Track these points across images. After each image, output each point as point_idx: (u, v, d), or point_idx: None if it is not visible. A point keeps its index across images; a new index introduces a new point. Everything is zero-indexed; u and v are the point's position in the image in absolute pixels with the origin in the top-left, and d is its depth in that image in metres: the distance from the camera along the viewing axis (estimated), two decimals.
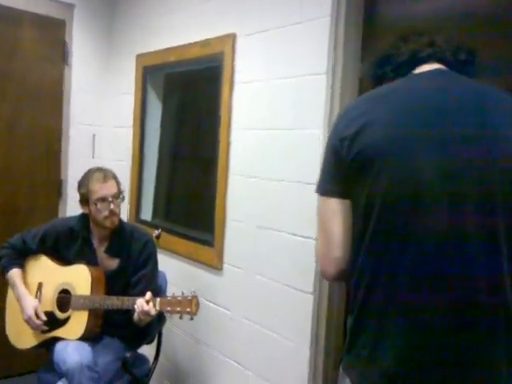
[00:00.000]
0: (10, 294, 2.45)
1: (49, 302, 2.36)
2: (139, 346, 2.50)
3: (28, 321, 2.31)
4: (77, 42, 3.40)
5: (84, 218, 2.42)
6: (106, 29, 3.52)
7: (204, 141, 2.90)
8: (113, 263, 2.40)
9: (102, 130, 3.56)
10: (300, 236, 2.12)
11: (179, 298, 2.11)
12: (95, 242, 2.42)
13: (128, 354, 2.39)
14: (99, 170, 2.40)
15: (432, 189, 1.12)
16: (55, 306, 2.35)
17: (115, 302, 2.21)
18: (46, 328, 2.33)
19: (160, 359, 2.60)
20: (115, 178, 2.40)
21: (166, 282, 2.63)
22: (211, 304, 2.62)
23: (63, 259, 2.41)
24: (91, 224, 2.41)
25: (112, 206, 2.31)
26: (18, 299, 2.36)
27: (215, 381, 2.63)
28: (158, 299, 2.14)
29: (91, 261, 2.37)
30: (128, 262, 2.39)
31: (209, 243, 2.64)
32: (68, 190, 3.40)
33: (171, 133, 3.29)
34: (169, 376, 2.96)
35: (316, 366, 2.12)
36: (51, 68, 3.33)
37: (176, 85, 3.26)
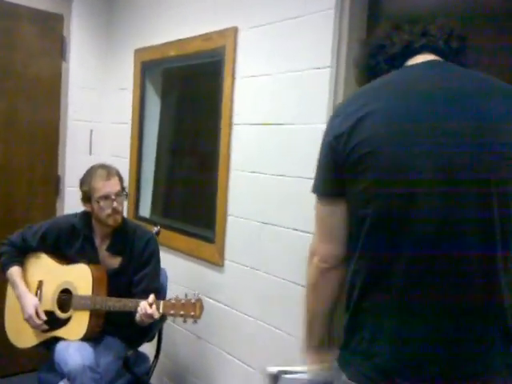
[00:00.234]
0: (10, 292, 2.42)
1: (49, 301, 2.33)
2: (140, 344, 2.49)
3: (28, 320, 2.28)
4: (75, 37, 3.37)
5: (86, 216, 2.39)
6: (104, 23, 3.49)
7: (204, 136, 2.88)
8: (115, 261, 2.37)
9: (100, 126, 3.52)
10: (302, 231, 2.10)
11: (183, 302, 2.09)
12: (97, 240, 2.38)
13: (129, 353, 2.36)
14: (102, 166, 2.35)
15: (429, 184, 1.11)
16: (56, 306, 2.32)
17: (117, 304, 2.18)
18: (46, 327, 2.30)
19: (160, 357, 2.58)
20: (118, 174, 2.35)
21: (166, 279, 2.60)
22: (212, 301, 2.60)
23: (64, 257, 2.37)
24: (93, 222, 2.37)
25: (115, 204, 2.27)
26: (19, 297, 2.33)
27: (216, 378, 2.62)
28: (162, 302, 2.11)
29: (93, 259, 2.34)
30: (130, 260, 2.36)
31: (210, 239, 2.62)
32: (66, 185, 3.37)
33: (170, 128, 3.27)
34: (169, 373, 2.94)
35: None
36: (49, 63, 3.30)
37: (175, 80, 3.23)
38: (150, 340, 2.56)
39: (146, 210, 3.29)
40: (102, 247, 2.38)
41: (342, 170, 1.20)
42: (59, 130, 3.39)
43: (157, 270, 2.41)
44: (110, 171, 2.31)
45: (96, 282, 2.26)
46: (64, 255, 2.37)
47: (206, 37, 2.60)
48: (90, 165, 2.40)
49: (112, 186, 2.28)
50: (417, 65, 1.24)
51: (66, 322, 2.28)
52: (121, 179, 2.36)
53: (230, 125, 2.49)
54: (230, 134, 2.49)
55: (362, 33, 2.02)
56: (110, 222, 2.30)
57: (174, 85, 3.24)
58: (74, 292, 2.29)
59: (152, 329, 2.37)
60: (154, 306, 2.08)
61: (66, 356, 2.13)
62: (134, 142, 3.24)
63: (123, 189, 2.36)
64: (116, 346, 2.33)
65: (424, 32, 1.26)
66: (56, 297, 2.32)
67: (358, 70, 1.41)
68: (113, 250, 2.37)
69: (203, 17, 2.66)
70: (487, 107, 1.13)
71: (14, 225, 2.59)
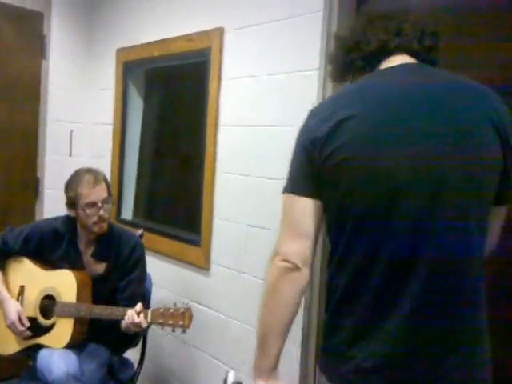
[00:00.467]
0: None
1: (31, 307, 2.27)
2: (125, 351, 2.44)
3: (11, 326, 2.22)
4: (55, 36, 3.30)
5: (69, 220, 2.31)
6: (85, 22, 3.43)
7: (189, 137, 2.84)
8: (100, 267, 2.31)
9: (81, 127, 3.46)
10: None
11: (171, 311, 2.05)
12: (81, 246, 2.32)
13: (113, 360, 2.33)
14: (89, 171, 2.26)
15: (409, 189, 1.11)
16: (38, 312, 2.26)
17: (104, 312, 2.13)
18: (29, 334, 2.24)
19: (145, 362, 2.54)
20: (105, 180, 2.28)
21: (151, 284, 2.57)
22: (198, 305, 2.57)
23: (46, 262, 2.31)
24: (78, 227, 2.31)
25: (101, 212, 2.20)
26: (1, 303, 2.27)
27: (201, 382, 2.60)
28: (150, 311, 2.07)
29: (77, 264, 2.28)
30: (116, 266, 2.30)
31: (195, 243, 2.60)
32: (45, 188, 3.29)
33: (153, 130, 3.23)
34: (154, 379, 2.90)
35: (307, 367, 2.11)
36: (28, 62, 3.23)
37: (159, 80, 3.19)
38: (135, 346, 2.52)
39: (128, 213, 3.24)
40: (86, 253, 2.31)
41: (318, 174, 1.19)
42: (38, 130, 3.32)
43: (143, 276, 2.37)
44: (97, 177, 2.24)
45: (80, 288, 2.21)
46: (46, 260, 2.31)
47: (191, 37, 2.57)
48: (70, 166, 2.34)
49: (99, 193, 2.21)
50: (393, 68, 1.25)
51: (49, 329, 2.23)
52: (108, 185, 2.29)
53: (216, 126, 2.46)
54: (215, 136, 2.47)
55: None
56: (96, 229, 2.24)
57: (157, 85, 3.20)
58: (57, 298, 2.23)
59: (137, 335, 2.32)
60: (141, 315, 2.04)
61: (49, 364, 2.08)
62: (116, 143, 3.19)
63: (110, 195, 2.29)
64: (100, 353, 2.28)
65: (398, 31, 1.27)
66: (39, 303, 2.26)
67: (332, 65, 1.40)
68: (98, 256, 2.30)
69: (188, 17, 2.63)
70: (464, 109, 1.14)
71: None
